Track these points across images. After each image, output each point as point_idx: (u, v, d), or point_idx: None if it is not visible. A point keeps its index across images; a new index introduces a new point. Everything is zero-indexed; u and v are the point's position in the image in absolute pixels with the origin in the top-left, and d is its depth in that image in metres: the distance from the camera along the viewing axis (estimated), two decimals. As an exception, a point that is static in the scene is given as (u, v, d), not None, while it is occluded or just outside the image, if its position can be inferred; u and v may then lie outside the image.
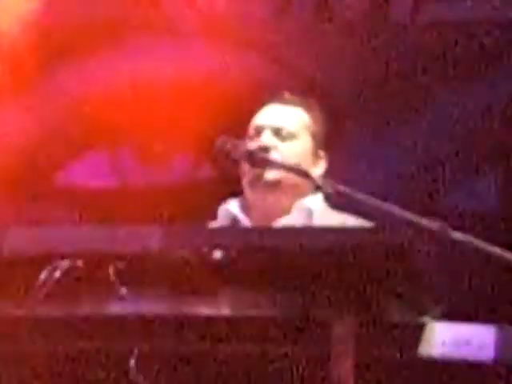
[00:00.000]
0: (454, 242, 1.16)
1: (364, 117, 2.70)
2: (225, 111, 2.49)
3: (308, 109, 1.70)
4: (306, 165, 1.61)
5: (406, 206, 1.28)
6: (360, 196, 1.34)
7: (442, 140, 2.73)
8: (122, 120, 2.71)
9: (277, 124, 1.64)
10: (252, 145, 1.61)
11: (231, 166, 1.65)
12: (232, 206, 1.63)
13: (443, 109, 2.78)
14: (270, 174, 1.58)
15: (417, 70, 2.78)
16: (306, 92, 1.94)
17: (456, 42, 2.80)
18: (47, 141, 2.87)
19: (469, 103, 2.75)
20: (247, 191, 1.64)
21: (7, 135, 2.88)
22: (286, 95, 1.71)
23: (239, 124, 1.77)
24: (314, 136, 1.68)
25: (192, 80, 2.74)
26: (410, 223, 1.18)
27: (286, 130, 1.64)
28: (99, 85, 2.83)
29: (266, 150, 1.59)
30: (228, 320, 1.03)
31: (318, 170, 1.66)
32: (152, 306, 1.02)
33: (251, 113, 1.71)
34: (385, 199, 1.33)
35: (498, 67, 2.79)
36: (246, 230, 1.44)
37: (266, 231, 1.31)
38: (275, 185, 1.59)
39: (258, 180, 1.59)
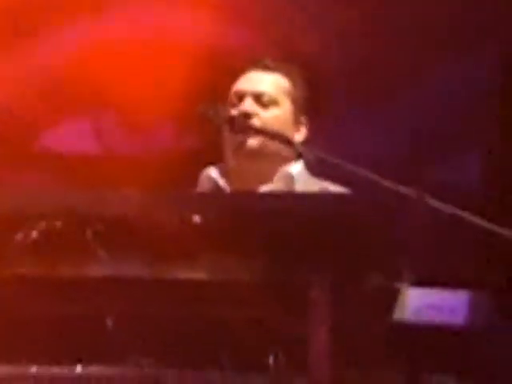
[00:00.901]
0: (432, 210, 1.16)
1: (351, 90, 2.69)
2: (208, 80, 2.47)
3: (289, 75, 1.68)
4: (287, 131, 1.60)
5: (388, 177, 1.29)
6: (340, 163, 1.34)
7: (427, 114, 2.74)
8: (106, 86, 2.68)
9: (258, 90, 1.63)
10: (233, 111, 1.60)
11: (213, 132, 1.64)
12: (213, 172, 1.62)
13: (429, 84, 2.78)
14: (252, 141, 1.57)
15: (404, 45, 2.79)
16: (292, 63, 1.92)
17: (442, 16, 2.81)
18: (26, 105, 2.83)
19: (455, 79, 2.75)
20: (229, 158, 1.63)
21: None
22: (267, 61, 1.69)
23: (222, 91, 1.77)
24: (295, 102, 1.66)
25: (177, 48, 2.71)
26: (388, 190, 1.18)
27: (267, 96, 1.62)
28: (82, 48, 2.78)
29: (247, 116, 1.58)
30: (205, 284, 1.03)
31: (300, 136, 1.65)
32: (130, 269, 1.01)
33: (233, 80, 1.69)
34: (369, 169, 1.34)
35: (486, 42, 2.79)
36: (225, 195, 1.45)
37: (244, 196, 1.31)
38: (257, 152, 1.58)
39: (239, 147, 1.58)
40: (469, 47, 2.74)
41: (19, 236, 0.96)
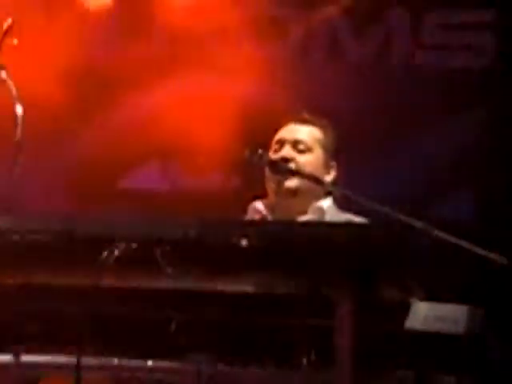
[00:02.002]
0: (436, 238, 1.12)
1: (366, 139, 2.67)
2: (254, 133, 2.48)
3: (321, 127, 1.67)
4: (319, 173, 1.59)
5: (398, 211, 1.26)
6: (362, 199, 1.32)
7: (430, 160, 2.72)
8: (172, 136, 2.72)
9: (295, 138, 1.62)
10: (275, 156, 1.60)
11: (257, 173, 1.64)
12: (259, 205, 1.62)
13: (433, 136, 2.76)
14: (290, 182, 1.56)
15: (409, 102, 2.79)
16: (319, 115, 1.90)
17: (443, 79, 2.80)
18: (110, 152, 2.88)
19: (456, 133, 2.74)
20: (271, 194, 1.62)
21: (77, 148, 2.91)
22: (304, 115, 1.68)
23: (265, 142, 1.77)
24: (325, 149, 1.64)
25: (229, 106, 2.73)
26: (401, 221, 1.15)
27: (303, 143, 1.61)
28: (154, 108, 2.84)
29: (286, 160, 1.58)
30: (251, 296, 1.02)
31: (329, 177, 1.63)
32: (191, 283, 1.01)
33: (275, 132, 1.70)
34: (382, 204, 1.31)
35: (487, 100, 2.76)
36: (269, 223, 1.43)
37: (284, 224, 1.30)
38: (294, 190, 1.57)
39: (279, 186, 1.57)
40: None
41: (104, 255, 0.97)
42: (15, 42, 2.10)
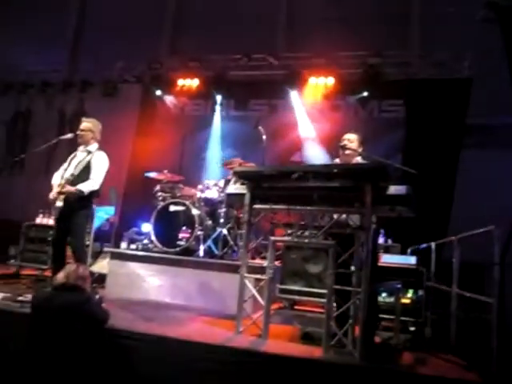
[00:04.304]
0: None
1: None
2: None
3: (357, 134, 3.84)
4: (357, 148, 3.80)
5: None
6: (373, 157, 3.63)
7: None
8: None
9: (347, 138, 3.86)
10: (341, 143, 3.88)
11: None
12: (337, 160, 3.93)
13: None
14: (347, 151, 3.84)
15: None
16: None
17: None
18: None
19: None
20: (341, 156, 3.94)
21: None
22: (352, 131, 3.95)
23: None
24: (359, 141, 3.73)
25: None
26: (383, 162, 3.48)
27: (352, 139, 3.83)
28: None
29: (344, 146, 3.84)
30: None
31: (360, 149, 3.74)
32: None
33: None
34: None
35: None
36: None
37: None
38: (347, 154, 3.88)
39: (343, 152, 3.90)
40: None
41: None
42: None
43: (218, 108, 7.86)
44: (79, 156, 4.25)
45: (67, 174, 4.11)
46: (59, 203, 3.96)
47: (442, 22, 7.00)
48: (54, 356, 2.62)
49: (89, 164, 4.12)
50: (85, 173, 4.07)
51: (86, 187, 4.00)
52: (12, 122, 9.19)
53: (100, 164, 4.14)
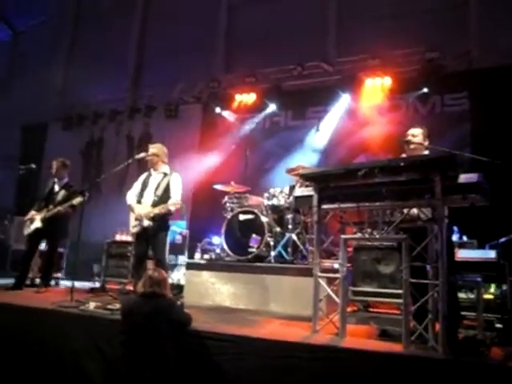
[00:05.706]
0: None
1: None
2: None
3: (422, 128, 3.86)
4: (423, 141, 3.77)
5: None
6: (436, 148, 3.58)
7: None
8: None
9: (411, 133, 3.85)
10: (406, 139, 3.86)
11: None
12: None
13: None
14: (411, 145, 3.81)
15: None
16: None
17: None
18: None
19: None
20: (407, 151, 3.92)
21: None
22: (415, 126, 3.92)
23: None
24: (425, 135, 3.70)
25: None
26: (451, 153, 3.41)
27: (416, 133, 3.79)
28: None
29: (409, 140, 3.82)
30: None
31: (426, 143, 3.72)
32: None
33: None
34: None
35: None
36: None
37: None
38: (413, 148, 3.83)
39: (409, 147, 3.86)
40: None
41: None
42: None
43: (276, 119, 8.00)
44: (156, 178, 4.67)
45: (149, 195, 4.54)
46: (146, 222, 4.36)
47: (502, 3, 6.68)
48: (145, 357, 2.77)
49: (168, 185, 4.57)
50: (166, 193, 4.53)
51: (172, 206, 4.47)
52: (86, 150, 9.84)
53: (178, 184, 4.62)
